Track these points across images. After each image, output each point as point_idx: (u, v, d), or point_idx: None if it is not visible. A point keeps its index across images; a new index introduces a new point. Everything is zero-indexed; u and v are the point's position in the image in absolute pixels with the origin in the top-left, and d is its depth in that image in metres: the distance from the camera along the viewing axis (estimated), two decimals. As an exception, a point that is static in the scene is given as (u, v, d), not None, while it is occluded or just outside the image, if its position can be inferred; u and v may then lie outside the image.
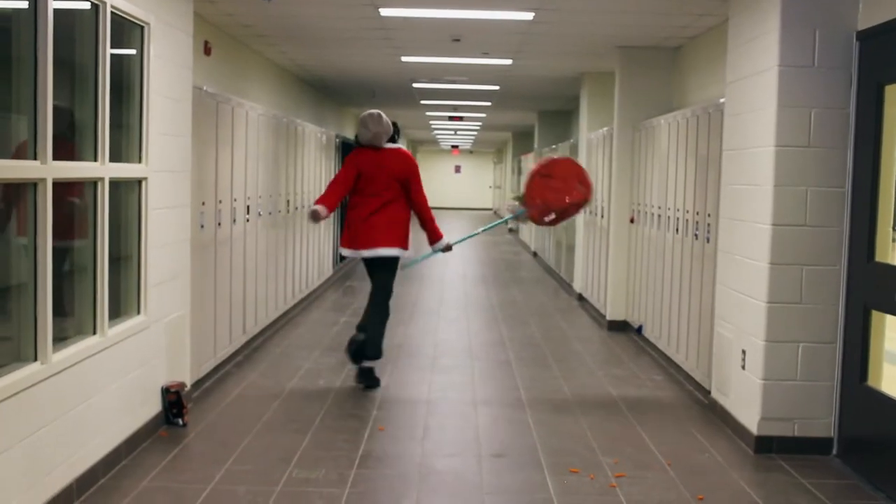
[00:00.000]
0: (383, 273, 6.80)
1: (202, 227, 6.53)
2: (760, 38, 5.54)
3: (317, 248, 11.91)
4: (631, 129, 9.49)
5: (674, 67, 9.30)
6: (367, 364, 6.80)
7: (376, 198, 6.71)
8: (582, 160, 11.84)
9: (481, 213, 36.71)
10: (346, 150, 14.87)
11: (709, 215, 6.73)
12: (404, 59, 10.79)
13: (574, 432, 5.82)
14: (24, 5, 3.88)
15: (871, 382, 5.07)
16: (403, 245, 6.75)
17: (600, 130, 10.72)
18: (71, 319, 4.59)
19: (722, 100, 6.35)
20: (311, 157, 11.26)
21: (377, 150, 6.73)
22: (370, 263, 6.82)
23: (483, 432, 5.84)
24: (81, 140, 4.61)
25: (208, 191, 6.69)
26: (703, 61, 8.37)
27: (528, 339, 9.12)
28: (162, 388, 5.64)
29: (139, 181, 5.20)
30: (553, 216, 6.69)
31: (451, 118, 20.71)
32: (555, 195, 6.61)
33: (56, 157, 3.98)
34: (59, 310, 4.22)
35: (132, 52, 5.14)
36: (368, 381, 6.79)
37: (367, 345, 6.76)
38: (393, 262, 6.79)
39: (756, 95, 5.58)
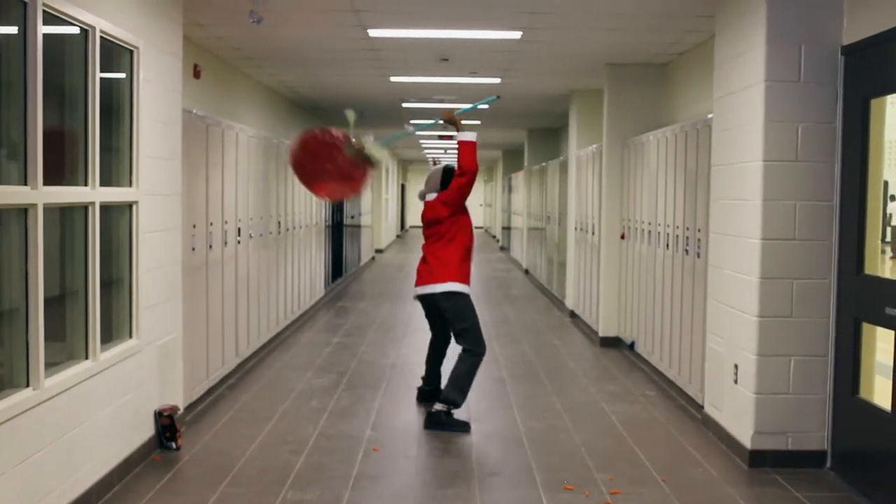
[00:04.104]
0: (446, 316, 6.59)
1: (193, 249, 6.52)
2: (747, 53, 5.58)
3: (308, 269, 11.90)
4: (620, 145, 9.53)
5: (662, 84, 9.36)
6: (437, 407, 6.39)
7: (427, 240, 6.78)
8: (572, 177, 11.91)
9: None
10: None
11: (699, 230, 6.76)
12: (393, 79, 10.83)
13: (568, 449, 5.82)
14: (14, 30, 3.89)
15: (863, 395, 5.09)
16: (457, 278, 6.50)
17: (590, 147, 10.76)
18: (63, 344, 4.58)
19: (710, 115, 6.39)
20: (301, 177, 11.24)
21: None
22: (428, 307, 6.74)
23: (477, 450, 5.83)
24: (72, 164, 4.62)
25: (199, 213, 6.69)
26: (690, 77, 8.43)
27: (520, 356, 9.12)
28: (155, 412, 5.62)
29: (130, 205, 5.20)
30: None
31: (440, 137, 20.75)
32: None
33: None
34: (51, 334, 4.21)
35: (122, 76, 5.15)
36: (437, 424, 6.31)
37: (447, 385, 6.45)
38: (444, 299, 6.51)
39: (743, 111, 5.62)
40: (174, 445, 5.66)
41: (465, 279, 6.54)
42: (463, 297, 6.50)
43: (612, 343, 9.65)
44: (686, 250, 7.10)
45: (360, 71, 10.21)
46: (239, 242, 7.90)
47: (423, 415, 6.62)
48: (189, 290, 6.37)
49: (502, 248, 26.46)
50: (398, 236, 33.37)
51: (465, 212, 6.65)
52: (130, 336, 5.25)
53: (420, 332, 10.47)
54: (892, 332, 4.68)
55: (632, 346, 9.03)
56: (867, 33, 4.97)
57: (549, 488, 5.04)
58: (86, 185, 4.62)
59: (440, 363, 7.02)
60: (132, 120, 5.20)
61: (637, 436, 6.12)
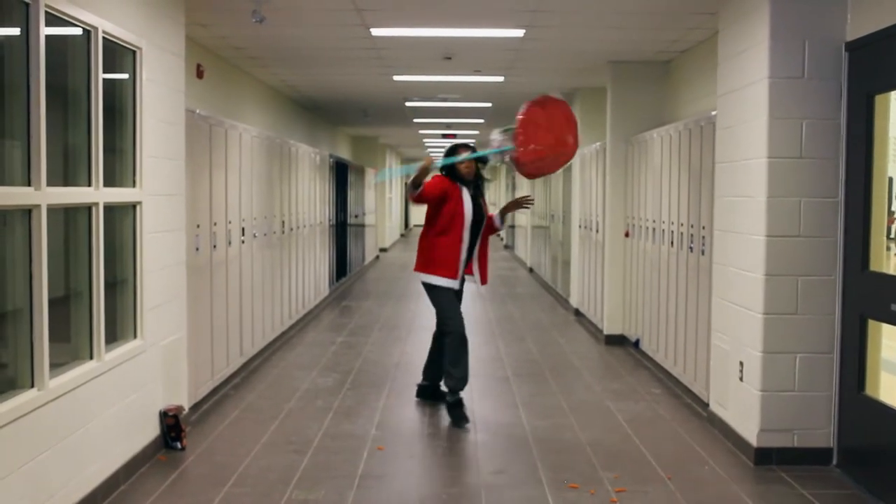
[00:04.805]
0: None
1: (197, 249, 6.53)
2: (750, 50, 5.57)
3: (313, 268, 11.91)
4: (624, 143, 9.52)
5: (665, 81, 9.34)
6: (449, 398, 6.53)
7: None
8: (576, 175, 11.89)
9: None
10: (339, 169, 14.90)
11: (703, 228, 6.75)
12: (396, 78, 10.82)
13: (573, 447, 5.81)
14: (17, 32, 3.89)
15: (868, 392, 5.08)
16: (419, 268, 6.61)
17: (593, 145, 10.75)
18: (67, 344, 4.58)
19: (713, 112, 6.38)
20: (304, 177, 11.27)
21: None
22: None
23: (482, 449, 5.82)
24: (76, 165, 4.62)
25: (203, 213, 6.69)
26: (694, 75, 8.41)
27: (525, 354, 9.12)
28: (160, 412, 5.62)
29: (134, 205, 5.20)
30: (539, 164, 6.26)
31: (444, 136, 20.75)
32: (549, 137, 6.20)
33: None
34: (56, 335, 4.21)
35: (125, 76, 5.16)
36: (455, 414, 6.43)
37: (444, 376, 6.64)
38: (427, 287, 6.61)
39: (747, 107, 5.60)
40: (179, 445, 5.66)
41: (429, 268, 6.51)
42: (427, 287, 6.58)
43: (617, 341, 9.64)
44: (690, 247, 7.09)
45: (363, 70, 10.21)
46: (243, 242, 7.90)
47: (428, 414, 6.64)
48: (193, 291, 6.37)
49: (506, 247, 26.45)
50: (402, 235, 33.36)
51: (439, 208, 6.48)
52: (135, 336, 5.25)
53: (425, 331, 10.46)
54: (898, 329, 4.67)
55: (636, 343, 9.02)
56: (871, 29, 4.96)
57: (555, 487, 5.03)
58: (89, 185, 4.62)
59: (439, 360, 7.00)
60: (135, 120, 5.20)
61: (642, 434, 6.11)
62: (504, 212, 6.75)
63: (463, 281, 6.64)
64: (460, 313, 6.64)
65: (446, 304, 6.57)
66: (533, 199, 6.95)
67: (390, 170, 7.13)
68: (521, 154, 6.14)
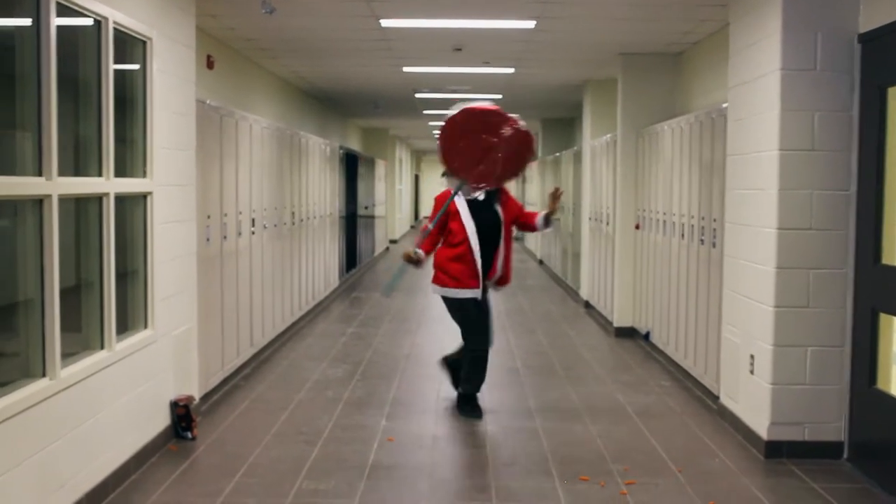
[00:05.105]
0: None
1: (208, 240, 6.54)
2: (762, 42, 5.54)
3: (323, 259, 11.92)
4: (634, 135, 9.50)
5: (676, 73, 9.31)
6: (461, 390, 6.56)
7: None
8: (586, 167, 11.87)
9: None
10: (349, 161, 14.91)
11: (714, 220, 6.72)
12: (406, 69, 10.81)
13: (583, 440, 5.81)
14: (28, 23, 3.90)
15: (880, 385, 5.06)
16: (436, 282, 6.43)
17: (604, 137, 10.72)
18: (79, 334, 4.60)
19: (725, 105, 6.35)
20: (315, 168, 11.27)
21: None
22: None
23: (492, 441, 5.83)
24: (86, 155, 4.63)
25: (213, 204, 6.70)
26: (705, 67, 8.38)
27: (535, 346, 9.11)
28: (170, 402, 5.64)
29: (144, 196, 5.21)
30: (495, 171, 6.05)
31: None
32: (479, 152, 6.05)
33: None
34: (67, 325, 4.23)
35: (135, 67, 5.16)
36: (466, 409, 6.47)
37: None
38: (446, 302, 6.47)
39: (759, 100, 5.58)
40: (190, 435, 5.68)
41: (444, 281, 6.34)
42: (446, 301, 6.43)
43: (627, 333, 9.62)
44: (701, 240, 7.07)
45: (372, 61, 10.20)
46: (253, 233, 7.91)
47: (439, 404, 6.65)
48: (204, 281, 6.38)
49: (516, 239, 26.42)
50: (412, 227, 33.38)
51: (447, 225, 6.40)
52: (146, 326, 5.27)
53: (434, 323, 10.48)
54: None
55: (647, 336, 9.00)
56: (884, 21, 4.93)
57: (565, 479, 5.03)
58: (100, 175, 4.64)
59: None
60: (146, 111, 5.21)
61: (652, 426, 6.11)
62: (549, 214, 6.52)
63: (486, 290, 6.41)
64: (486, 328, 6.44)
65: (466, 318, 6.38)
66: (561, 189, 6.74)
67: (394, 276, 7.06)
68: (473, 185, 6.15)
